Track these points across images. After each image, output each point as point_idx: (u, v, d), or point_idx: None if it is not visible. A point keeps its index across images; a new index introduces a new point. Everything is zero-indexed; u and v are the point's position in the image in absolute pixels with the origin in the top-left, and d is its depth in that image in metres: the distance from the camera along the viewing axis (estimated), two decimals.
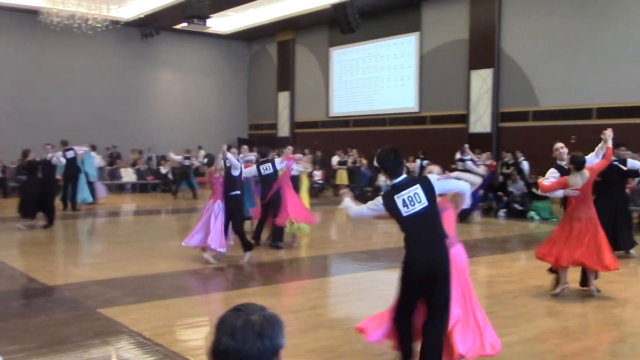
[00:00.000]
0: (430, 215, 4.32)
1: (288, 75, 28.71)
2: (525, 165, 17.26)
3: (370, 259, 9.55)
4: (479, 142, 20.05)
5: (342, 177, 22.00)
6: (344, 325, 5.93)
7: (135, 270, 8.34)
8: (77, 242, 12.54)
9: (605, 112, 17.74)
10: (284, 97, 29.02)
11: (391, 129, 24.05)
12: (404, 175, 4.41)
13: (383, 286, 7.94)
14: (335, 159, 22.99)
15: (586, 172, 6.79)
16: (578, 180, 6.73)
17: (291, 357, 4.97)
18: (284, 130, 29.14)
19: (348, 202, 4.75)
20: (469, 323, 4.44)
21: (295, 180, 11.29)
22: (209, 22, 24.11)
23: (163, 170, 23.44)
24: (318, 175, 22.04)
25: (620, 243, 9.27)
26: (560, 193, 7.29)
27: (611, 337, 5.89)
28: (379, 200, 4.49)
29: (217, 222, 8.73)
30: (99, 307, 6.36)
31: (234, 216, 8.99)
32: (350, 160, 22.75)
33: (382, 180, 19.92)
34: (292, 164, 10.84)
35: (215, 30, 27.59)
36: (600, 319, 6.32)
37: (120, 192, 22.80)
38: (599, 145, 7.40)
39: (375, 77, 25.00)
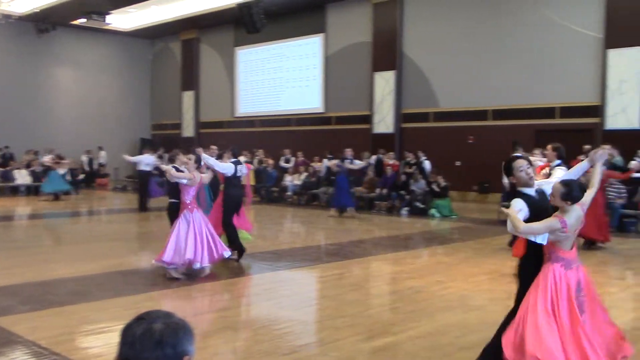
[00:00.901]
0: None
1: (192, 74, 28.27)
2: (426, 164, 17.82)
3: (277, 259, 9.56)
4: (383, 142, 20.56)
5: (249, 177, 21.84)
6: (252, 326, 5.92)
7: (31, 277, 7.95)
8: None
9: (500, 114, 18.67)
10: (188, 97, 28.55)
11: (297, 129, 24.19)
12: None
13: (290, 286, 8.00)
14: (241, 159, 22.78)
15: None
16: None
17: None
18: (188, 130, 28.67)
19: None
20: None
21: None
22: (109, 18, 23.36)
23: (61, 171, 22.43)
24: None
25: None
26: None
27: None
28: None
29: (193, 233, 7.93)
30: None
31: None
32: (256, 161, 22.67)
33: (289, 180, 20.00)
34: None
35: (116, 27, 26.75)
36: (497, 311, 6.63)
37: (14, 194, 21.64)
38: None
39: (281, 77, 25.06)
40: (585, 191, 4.41)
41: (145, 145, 27.16)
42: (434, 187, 16.04)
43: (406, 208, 16.40)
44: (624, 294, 7.71)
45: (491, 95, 18.75)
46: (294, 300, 7.06)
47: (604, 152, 4.69)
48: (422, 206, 16.04)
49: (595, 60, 16.83)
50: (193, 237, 7.84)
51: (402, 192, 16.76)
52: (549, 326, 4.11)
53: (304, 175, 19.80)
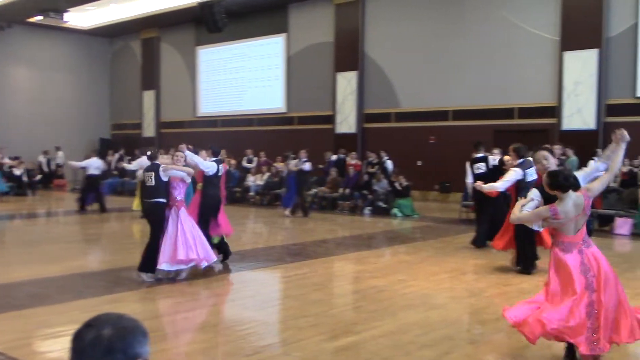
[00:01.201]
0: None
1: (153, 73, 27.94)
2: (388, 164, 17.97)
3: (240, 260, 9.53)
4: (345, 143, 20.64)
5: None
6: (215, 328, 5.89)
7: None
8: None
9: (460, 115, 18.94)
10: (148, 96, 28.20)
11: (259, 129, 24.13)
12: None
13: (253, 286, 7.98)
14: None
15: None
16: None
17: None
18: (149, 130, 28.32)
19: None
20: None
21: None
22: (66, 16, 22.92)
23: (17, 172, 21.92)
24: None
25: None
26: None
27: (467, 325, 6.29)
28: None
29: (182, 233, 7.74)
30: None
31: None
32: None
33: (251, 180, 19.92)
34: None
35: (74, 25, 26.28)
36: (458, 309, 6.73)
37: None
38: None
39: (243, 77, 24.97)
40: (575, 179, 4.58)
41: (105, 146, 26.82)
42: (397, 186, 16.18)
43: (369, 208, 16.50)
44: None
45: (452, 95, 19.01)
46: (257, 301, 7.05)
47: (625, 133, 4.84)
48: (384, 206, 16.15)
49: (552, 62, 17.21)
50: (191, 235, 7.77)
51: (365, 191, 16.87)
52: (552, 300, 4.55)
53: (267, 175, 19.76)
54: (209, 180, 8.77)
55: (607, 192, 14.29)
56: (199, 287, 7.86)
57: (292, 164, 16.05)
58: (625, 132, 4.82)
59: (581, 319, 4.37)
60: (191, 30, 26.36)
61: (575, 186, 4.52)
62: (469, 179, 11.57)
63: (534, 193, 4.79)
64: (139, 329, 1.69)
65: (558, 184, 4.49)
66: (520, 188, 8.30)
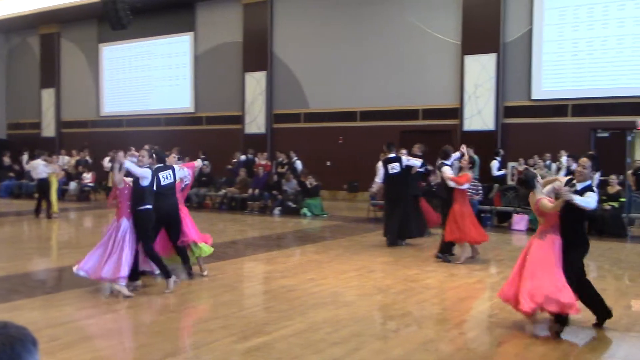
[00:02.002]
0: None
1: (53, 71, 26.76)
2: (298, 164, 18.06)
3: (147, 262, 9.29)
4: (255, 143, 20.58)
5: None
6: (119, 333, 5.71)
7: None
8: None
9: (367, 116, 19.32)
10: (48, 95, 26.98)
11: (167, 129, 23.63)
12: None
13: (161, 289, 7.78)
14: (107, 161, 21.90)
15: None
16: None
17: None
18: (49, 130, 27.11)
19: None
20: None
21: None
22: None
23: None
24: (88, 177, 20.86)
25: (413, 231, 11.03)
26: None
27: (376, 321, 6.43)
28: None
29: (120, 246, 7.07)
30: None
31: (141, 234, 7.22)
32: None
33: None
34: (194, 171, 9.17)
35: None
36: (366, 306, 6.86)
37: None
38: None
39: (149, 76, 24.38)
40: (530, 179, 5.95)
41: (1, 147, 25.42)
42: (306, 186, 16.29)
43: (278, 208, 16.52)
44: (481, 284, 8.25)
45: (359, 97, 19.35)
46: (165, 304, 6.89)
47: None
48: (294, 206, 16.22)
49: (454, 65, 17.87)
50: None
51: (274, 192, 16.87)
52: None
53: None
54: (146, 191, 7.34)
55: (505, 190, 15.02)
56: (103, 292, 7.60)
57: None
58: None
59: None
60: (94, 27, 25.46)
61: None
62: (379, 179, 11.84)
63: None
64: (28, 337, 1.60)
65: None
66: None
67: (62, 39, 26.76)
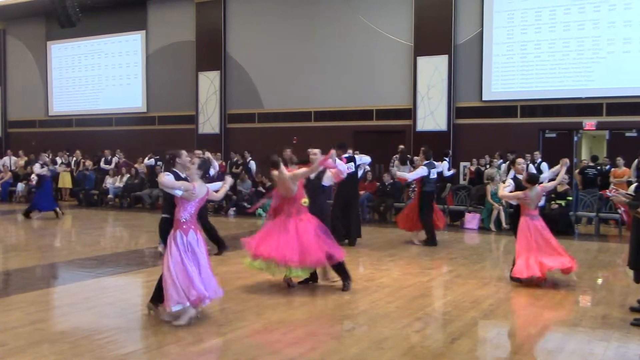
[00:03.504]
0: None
1: None
2: (252, 165, 17.99)
3: (98, 265, 9.13)
4: (209, 143, 20.37)
5: (65, 180, 20.60)
6: (69, 338, 5.58)
7: None
8: None
9: (322, 116, 19.38)
10: None
11: (118, 129, 23.23)
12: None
13: (113, 292, 7.65)
14: (57, 161, 21.43)
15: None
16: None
17: None
18: None
19: None
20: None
21: None
22: None
23: None
24: (35, 179, 20.32)
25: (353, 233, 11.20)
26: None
27: (332, 321, 6.45)
28: None
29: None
30: None
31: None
32: (73, 162, 21.44)
33: (110, 182, 19.13)
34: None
35: None
36: (322, 305, 6.89)
37: None
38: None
39: (100, 75, 23.93)
40: (537, 179, 7.99)
41: None
42: (261, 187, 16.24)
43: (233, 208, 16.41)
44: (435, 282, 8.37)
45: (313, 97, 19.39)
46: (118, 308, 6.77)
47: (567, 161, 8.49)
48: (248, 206, 16.12)
49: (407, 66, 18.07)
50: (193, 266, 6.01)
51: (229, 192, 16.74)
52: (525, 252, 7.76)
53: (126, 177, 19.06)
54: None
55: (457, 189, 15.26)
56: (53, 296, 7.44)
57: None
58: (567, 160, 8.48)
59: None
60: (41, 24, 24.83)
61: (538, 183, 7.92)
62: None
63: (510, 182, 8.19)
64: None
65: (533, 180, 7.84)
66: (425, 182, 11.02)
67: (8, 36, 26.03)
